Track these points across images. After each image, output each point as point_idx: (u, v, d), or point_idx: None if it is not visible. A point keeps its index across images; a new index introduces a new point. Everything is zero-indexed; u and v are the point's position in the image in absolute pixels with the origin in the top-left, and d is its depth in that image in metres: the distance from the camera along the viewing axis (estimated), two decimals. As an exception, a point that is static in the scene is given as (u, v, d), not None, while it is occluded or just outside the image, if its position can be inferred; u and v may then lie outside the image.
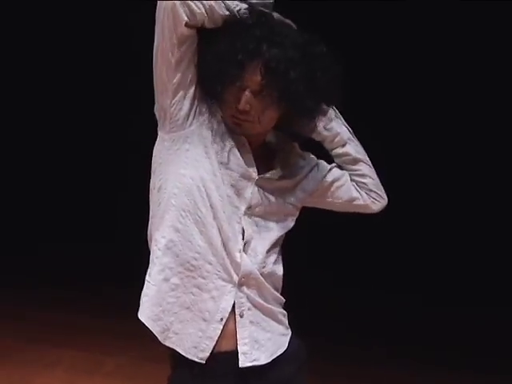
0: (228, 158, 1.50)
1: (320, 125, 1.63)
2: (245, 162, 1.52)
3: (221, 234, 1.48)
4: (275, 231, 1.60)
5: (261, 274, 1.55)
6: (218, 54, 1.43)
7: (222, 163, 1.49)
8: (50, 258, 5.30)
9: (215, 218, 1.47)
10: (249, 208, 1.53)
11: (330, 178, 1.69)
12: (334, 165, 1.72)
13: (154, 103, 1.54)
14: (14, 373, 3.44)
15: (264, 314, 1.57)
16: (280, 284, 1.65)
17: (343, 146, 1.68)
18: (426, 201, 5.10)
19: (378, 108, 4.79)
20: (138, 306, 1.58)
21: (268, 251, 1.57)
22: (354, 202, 1.72)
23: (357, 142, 1.70)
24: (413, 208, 4.86)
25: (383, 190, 1.73)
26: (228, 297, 1.50)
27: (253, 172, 1.54)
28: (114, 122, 5.62)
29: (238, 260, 1.50)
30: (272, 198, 1.58)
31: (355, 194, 1.71)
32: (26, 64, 5.83)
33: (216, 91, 1.47)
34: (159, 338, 1.52)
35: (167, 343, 1.52)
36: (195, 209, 1.47)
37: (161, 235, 1.51)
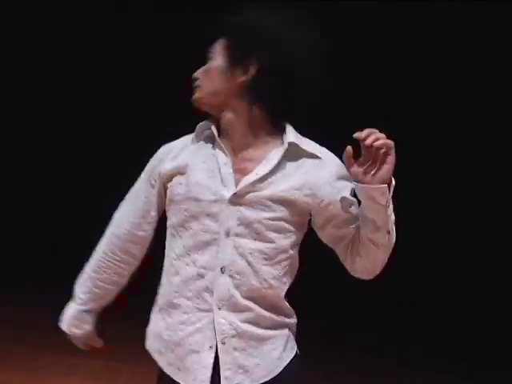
0: (193, 189, 1.50)
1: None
2: (211, 185, 1.50)
3: (196, 267, 1.50)
4: (263, 251, 1.49)
5: (246, 297, 1.49)
6: None
7: (189, 198, 1.50)
8: (64, 262, 5.32)
9: (189, 255, 1.51)
10: (227, 232, 1.48)
11: (333, 220, 1.51)
12: (351, 206, 1.50)
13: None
14: (31, 380, 3.49)
15: (253, 340, 1.51)
16: (280, 302, 1.55)
17: (373, 228, 1.44)
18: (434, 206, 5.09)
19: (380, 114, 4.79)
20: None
21: (256, 271, 1.49)
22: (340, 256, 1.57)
23: (390, 237, 1.46)
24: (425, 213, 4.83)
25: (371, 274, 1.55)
26: (211, 325, 1.50)
27: (223, 193, 1.49)
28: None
29: (213, 287, 1.49)
30: (252, 214, 1.47)
31: (343, 254, 1.55)
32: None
33: None
34: (167, 371, 1.57)
35: (176, 379, 1.56)
36: (170, 251, 1.56)
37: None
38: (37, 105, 6.14)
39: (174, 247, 1.55)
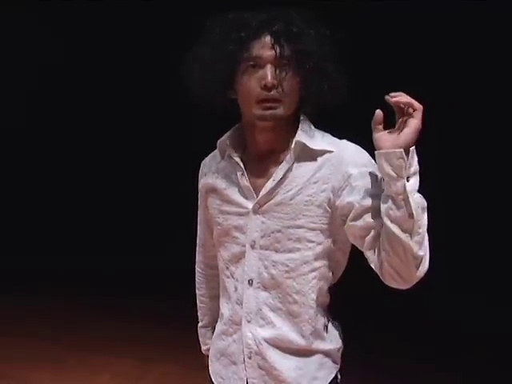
0: (221, 205, 1.51)
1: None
2: (235, 198, 1.48)
3: (233, 280, 1.51)
4: (284, 262, 1.42)
5: (272, 311, 1.45)
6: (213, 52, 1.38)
7: (221, 212, 1.52)
8: (100, 267, 5.36)
9: (227, 267, 1.53)
10: (252, 244, 1.45)
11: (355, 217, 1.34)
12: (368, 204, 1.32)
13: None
14: (61, 379, 3.50)
15: (277, 363, 1.46)
16: (311, 323, 1.45)
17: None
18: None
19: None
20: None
21: (279, 285, 1.44)
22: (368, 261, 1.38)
23: (415, 224, 1.23)
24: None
25: (409, 273, 1.28)
26: (242, 339, 1.50)
27: (246, 205, 1.46)
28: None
29: (243, 299, 1.48)
30: (272, 224, 1.42)
31: (372, 255, 1.34)
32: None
33: (231, 83, 1.40)
34: (213, 379, 1.60)
35: None
36: (219, 264, 1.57)
37: None
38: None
39: (219, 260, 1.56)
